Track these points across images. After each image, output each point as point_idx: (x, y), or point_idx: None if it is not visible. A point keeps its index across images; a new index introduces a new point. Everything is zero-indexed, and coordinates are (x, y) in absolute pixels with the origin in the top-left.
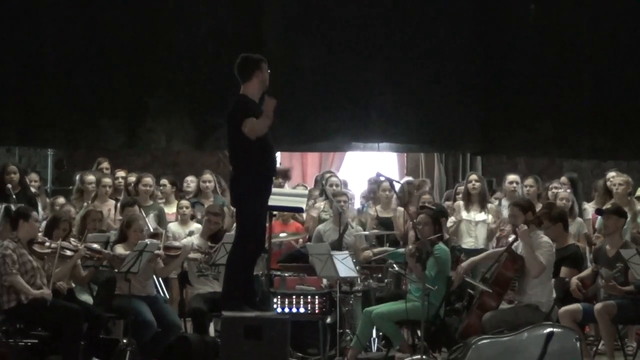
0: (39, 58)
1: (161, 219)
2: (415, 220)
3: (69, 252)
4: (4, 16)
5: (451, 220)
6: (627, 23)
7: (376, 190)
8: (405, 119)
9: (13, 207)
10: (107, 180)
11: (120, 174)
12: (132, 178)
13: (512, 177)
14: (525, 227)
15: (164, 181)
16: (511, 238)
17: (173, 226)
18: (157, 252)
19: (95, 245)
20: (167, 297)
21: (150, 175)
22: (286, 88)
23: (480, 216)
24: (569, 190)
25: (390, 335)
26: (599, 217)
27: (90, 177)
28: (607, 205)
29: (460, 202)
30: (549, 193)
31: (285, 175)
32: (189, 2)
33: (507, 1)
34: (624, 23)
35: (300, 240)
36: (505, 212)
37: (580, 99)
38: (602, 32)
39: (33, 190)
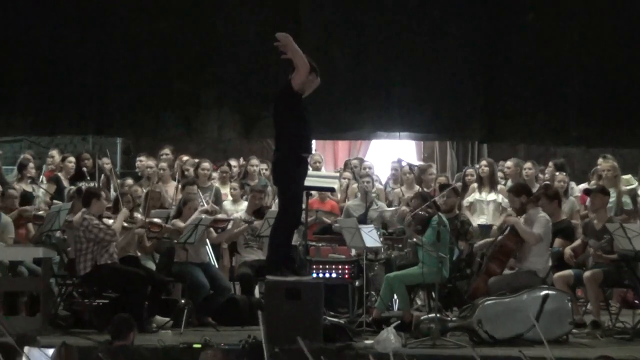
0: (110, 58)
1: (217, 198)
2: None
3: (128, 225)
4: (79, 19)
5: (467, 201)
6: (619, 15)
7: (396, 173)
8: (420, 112)
9: (84, 188)
10: (162, 164)
11: (185, 158)
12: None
13: (507, 162)
14: (510, 214)
15: (225, 168)
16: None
17: (227, 204)
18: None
19: (157, 220)
20: (216, 265)
21: (207, 160)
22: (321, 83)
23: (491, 196)
24: (564, 174)
25: (399, 296)
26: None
27: (143, 162)
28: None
29: (475, 184)
30: (540, 176)
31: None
32: (237, 2)
33: (508, 6)
34: (617, 15)
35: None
36: None
37: (569, 91)
38: (591, 25)
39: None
